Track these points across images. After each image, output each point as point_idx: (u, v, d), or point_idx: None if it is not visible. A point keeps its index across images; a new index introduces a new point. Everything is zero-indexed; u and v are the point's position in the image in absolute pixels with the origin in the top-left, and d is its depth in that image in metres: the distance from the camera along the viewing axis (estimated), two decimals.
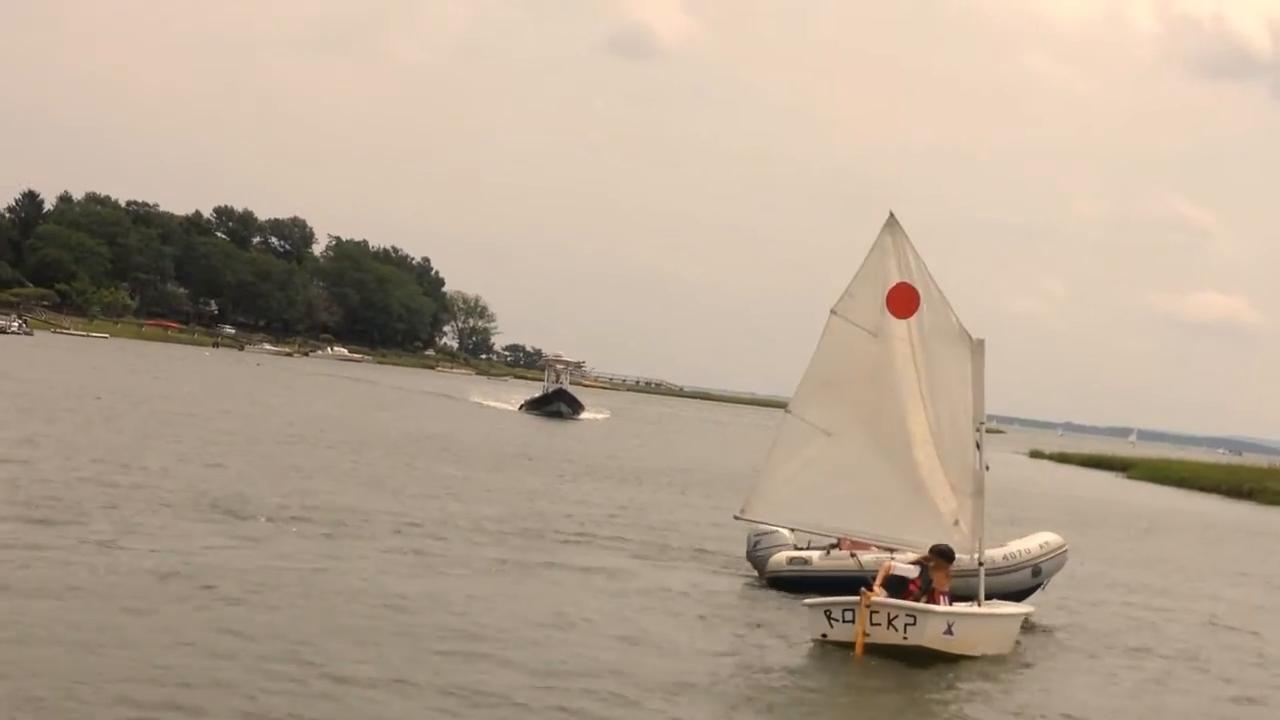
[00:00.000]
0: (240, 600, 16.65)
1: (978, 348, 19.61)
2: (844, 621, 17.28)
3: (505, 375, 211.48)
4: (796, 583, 21.12)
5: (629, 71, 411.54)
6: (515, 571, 21.31)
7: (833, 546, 21.70)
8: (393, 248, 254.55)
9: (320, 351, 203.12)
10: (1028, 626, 20.21)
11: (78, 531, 20.26)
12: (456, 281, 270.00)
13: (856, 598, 17.24)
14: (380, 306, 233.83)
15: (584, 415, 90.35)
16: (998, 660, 18.00)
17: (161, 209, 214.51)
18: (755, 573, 22.96)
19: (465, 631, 16.35)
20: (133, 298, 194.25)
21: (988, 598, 19.39)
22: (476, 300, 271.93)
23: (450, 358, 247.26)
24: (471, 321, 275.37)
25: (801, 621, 18.21)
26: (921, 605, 17.38)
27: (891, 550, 19.45)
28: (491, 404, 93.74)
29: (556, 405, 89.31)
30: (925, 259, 19.60)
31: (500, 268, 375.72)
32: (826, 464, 19.18)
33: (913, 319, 19.38)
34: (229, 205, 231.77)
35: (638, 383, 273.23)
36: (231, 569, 18.46)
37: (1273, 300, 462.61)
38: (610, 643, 16.72)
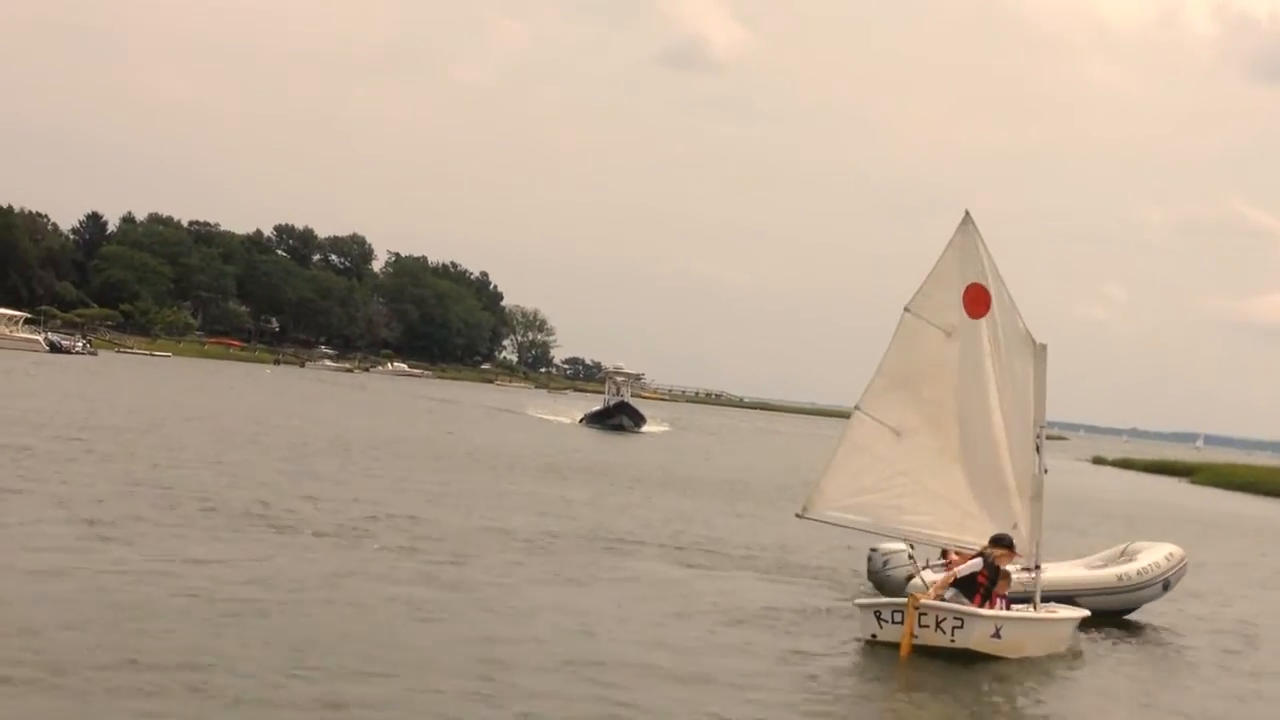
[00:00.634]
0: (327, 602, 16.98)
1: (1040, 353, 19.62)
2: (893, 623, 17.58)
3: (564, 389, 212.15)
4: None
5: (684, 83, 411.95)
6: (583, 580, 21.59)
7: (942, 563, 21.32)
8: (451, 263, 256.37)
9: (380, 367, 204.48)
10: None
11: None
12: (515, 296, 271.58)
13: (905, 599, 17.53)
14: (439, 322, 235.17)
15: (645, 428, 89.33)
16: (1046, 662, 18.12)
17: (223, 228, 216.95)
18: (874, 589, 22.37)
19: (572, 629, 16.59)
20: (195, 316, 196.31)
21: (1125, 612, 19.60)
22: (535, 314, 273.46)
23: (509, 372, 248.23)
24: (530, 335, 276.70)
25: (853, 622, 18.51)
26: (969, 609, 17.56)
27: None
28: (550, 418, 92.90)
29: (619, 418, 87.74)
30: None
31: (559, 281, 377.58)
32: (892, 463, 19.00)
33: (985, 319, 19.28)
34: (289, 223, 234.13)
35: (697, 394, 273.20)
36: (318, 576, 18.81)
37: None
38: (649, 645, 16.91)
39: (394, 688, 13.53)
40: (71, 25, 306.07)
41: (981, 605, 17.98)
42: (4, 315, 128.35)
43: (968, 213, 19.46)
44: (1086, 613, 20.28)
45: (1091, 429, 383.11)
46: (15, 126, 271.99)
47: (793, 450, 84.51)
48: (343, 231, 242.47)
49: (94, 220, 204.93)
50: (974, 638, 17.36)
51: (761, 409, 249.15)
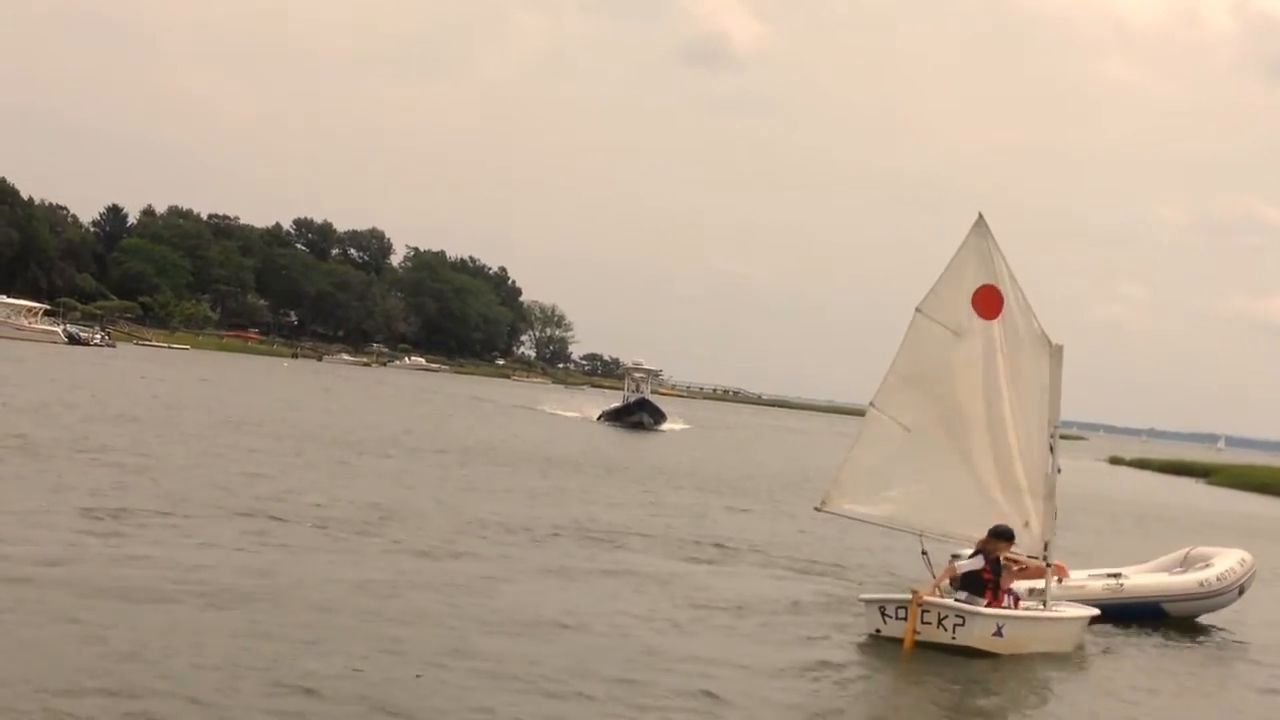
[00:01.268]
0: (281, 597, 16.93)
1: (1056, 353, 19.86)
2: (897, 618, 17.96)
3: (582, 384, 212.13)
4: None
5: (704, 80, 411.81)
6: (588, 576, 21.63)
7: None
8: (470, 258, 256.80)
9: (398, 361, 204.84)
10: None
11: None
12: (533, 292, 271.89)
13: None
14: (458, 316, 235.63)
15: (665, 425, 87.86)
16: (1049, 661, 18.27)
17: (242, 221, 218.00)
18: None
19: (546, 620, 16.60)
20: (214, 309, 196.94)
21: (1197, 617, 21.44)
22: (553, 309, 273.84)
23: (527, 367, 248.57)
24: (549, 331, 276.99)
25: (859, 617, 18.78)
26: (970, 607, 17.85)
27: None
28: (567, 414, 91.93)
29: (639, 415, 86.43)
30: (1009, 262, 19.71)
31: (577, 277, 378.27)
32: (904, 459, 19.32)
33: (997, 321, 19.52)
34: (308, 217, 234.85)
35: (715, 391, 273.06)
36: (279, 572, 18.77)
37: None
38: (660, 638, 17.12)
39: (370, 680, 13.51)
40: (93, 18, 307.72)
41: (992, 601, 18.22)
42: (23, 307, 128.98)
43: (980, 215, 19.67)
44: (1095, 611, 20.39)
45: (1110, 429, 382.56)
46: (36, 119, 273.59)
47: (810, 447, 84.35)
48: (362, 226, 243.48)
49: (114, 213, 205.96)
50: (975, 635, 17.69)
51: (780, 406, 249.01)
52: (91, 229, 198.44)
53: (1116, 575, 22.87)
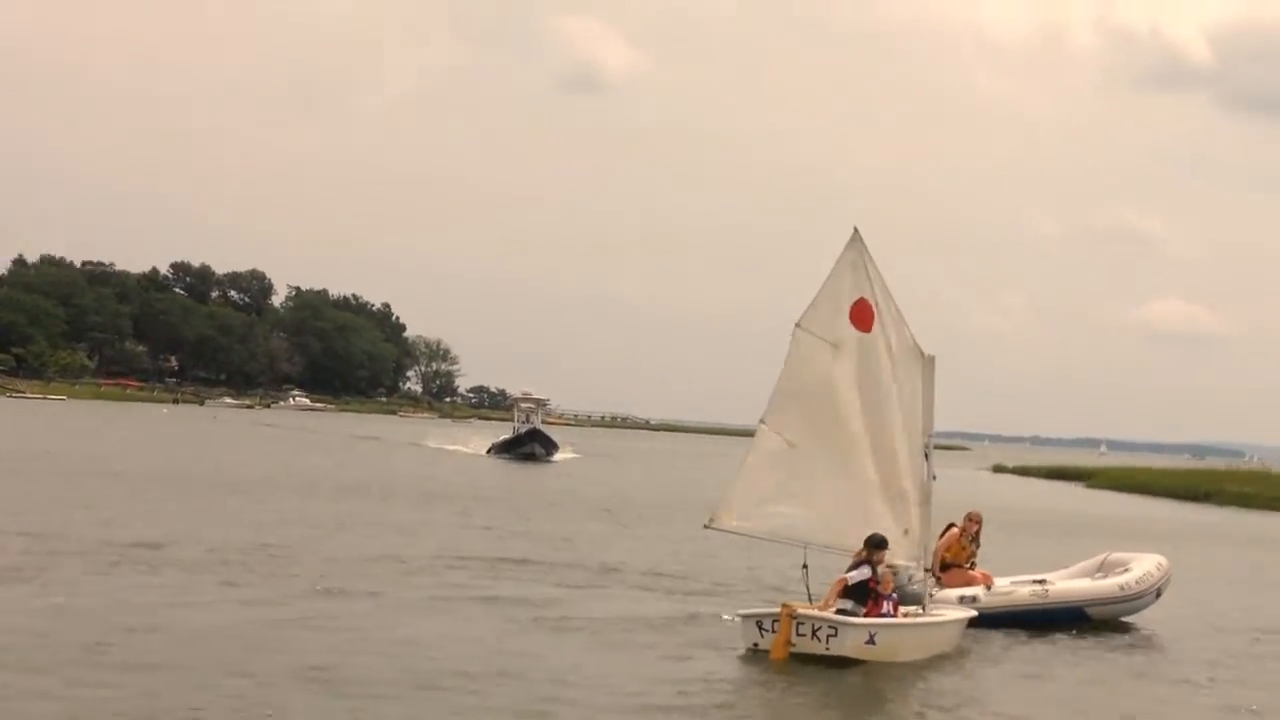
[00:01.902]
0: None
1: (929, 364, 20.69)
2: (774, 632, 18.30)
3: (470, 417, 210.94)
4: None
5: (581, 107, 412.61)
6: (460, 604, 21.79)
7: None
8: (353, 295, 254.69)
9: (282, 402, 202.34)
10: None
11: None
12: (419, 327, 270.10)
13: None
14: (342, 355, 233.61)
15: (557, 456, 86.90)
16: (923, 665, 18.82)
17: (117, 267, 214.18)
18: None
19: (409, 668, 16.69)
20: (91, 358, 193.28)
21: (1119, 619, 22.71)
22: (439, 343, 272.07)
23: (414, 403, 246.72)
24: (434, 365, 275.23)
25: (735, 632, 19.18)
26: (841, 618, 18.37)
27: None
28: (454, 447, 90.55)
29: (530, 446, 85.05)
30: (886, 276, 20.34)
31: (461, 306, 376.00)
32: (789, 474, 19.83)
33: (871, 333, 20.10)
34: (186, 261, 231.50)
35: (603, 418, 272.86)
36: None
37: (1228, 304, 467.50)
38: (524, 660, 17.31)
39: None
40: None
41: (876, 609, 18.77)
42: None
43: (856, 230, 20.23)
44: (972, 613, 21.02)
45: (996, 438, 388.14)
46: None
47: (701, 469, 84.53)
48: (241, 267, 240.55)
49: None
50: (848, 645, 18.18)
51: (670, 430, 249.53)
52: None
53: (1041, 581, 23.53)
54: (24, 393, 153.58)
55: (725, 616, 20.79)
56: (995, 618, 21.87)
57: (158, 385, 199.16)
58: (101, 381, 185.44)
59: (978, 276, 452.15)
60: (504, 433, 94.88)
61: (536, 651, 18.02)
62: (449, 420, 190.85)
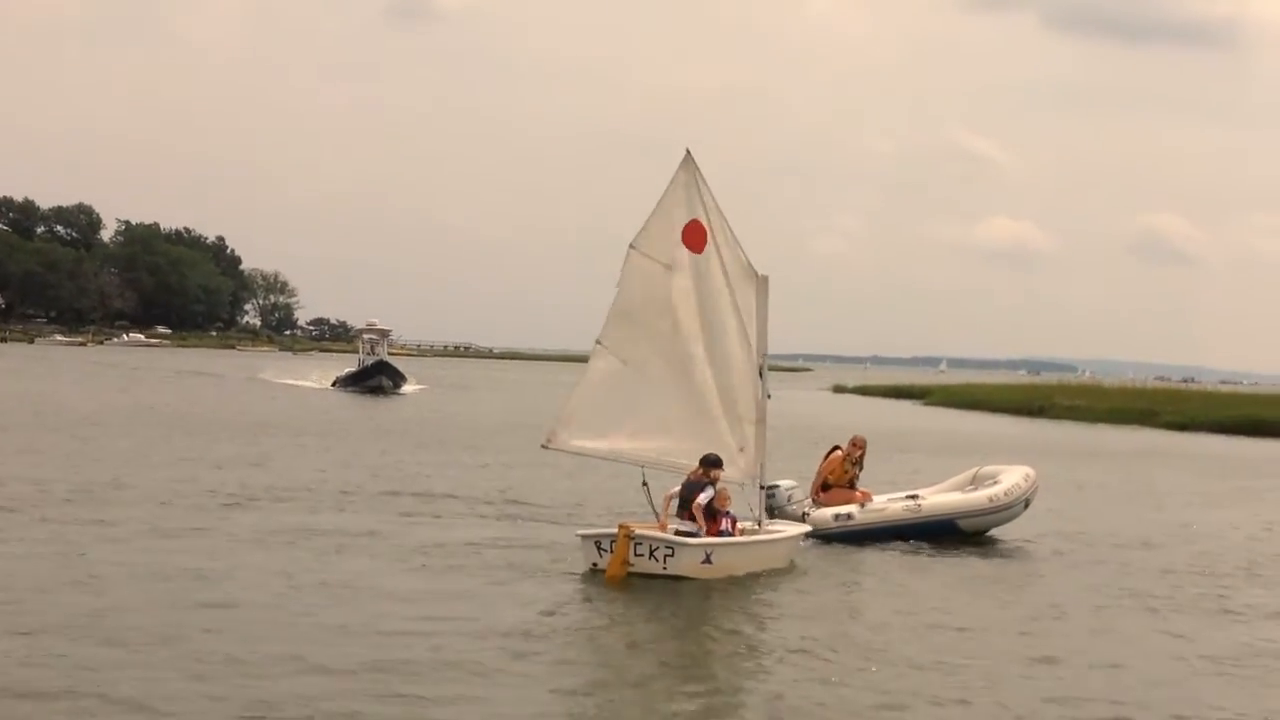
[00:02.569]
0: None
1: (762, 284, 20.95)
2: (612, 552, 18.51)
3: (310, 350, 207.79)
4: (844, 537, 22.90)
5: (412, 34, 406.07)
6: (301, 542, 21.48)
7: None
8: (185, 229, 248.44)
9: (116, 339, 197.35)
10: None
11: None
12: (255, 259, 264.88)
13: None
14: (176, 289, 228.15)
15: (405, 388, 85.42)
16: (758, 579, 19.21)
17: None
18: None
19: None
20: None
21: (983, 531, 24.00)
22: (276, 276, 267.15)
23: (253, 336, 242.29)
24: (272, 298, 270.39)
25: (577, 554, 19.30)
26: (678, 539, 18.67)
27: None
28: (298, 382, 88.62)
29: (378, 379, 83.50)
30: (723, 201, 20.55)
31: (296, 237, 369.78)
32: (626, 394, 20.05)
33: (704, 254, 20.32)
34: (8, 196, 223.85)
35: (445, 347, 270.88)
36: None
37: (1058, 221, 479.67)
38: (360, 594, 17.06)
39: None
40: None
41: (715, 527, 19.09)
42: None
43: (688, 151, 20.36)
44: (806, 528, 21.77)
45: (838, 359, 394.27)
46: None
47: (543, 394, 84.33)
48: (67, 202, 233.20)
49: None
50: (684, 564, 18.52)
51: (512, 358, 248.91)
52: None
53: (914, 497, 24.35)
54: None
55: (563, 538, 20.93)
56: (870, 532, 22.92)
57: None
58: None
59: (814, 199, 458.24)
60: (348, 365, 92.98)
61: (370, 579, 17.92)
62: (289, 354, 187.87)
